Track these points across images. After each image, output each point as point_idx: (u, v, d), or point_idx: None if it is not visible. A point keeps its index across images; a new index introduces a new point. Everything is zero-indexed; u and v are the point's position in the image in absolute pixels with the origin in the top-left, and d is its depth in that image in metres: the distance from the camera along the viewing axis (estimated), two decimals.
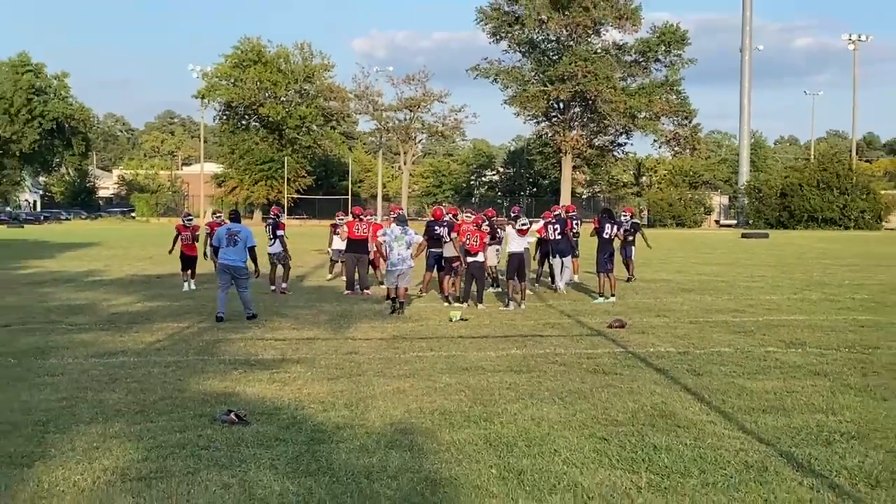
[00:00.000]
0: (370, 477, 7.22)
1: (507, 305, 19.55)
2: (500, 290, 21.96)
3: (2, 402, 10.01)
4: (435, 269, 21.06)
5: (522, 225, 20.29)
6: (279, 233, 23.28)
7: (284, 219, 24.58)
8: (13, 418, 9.24)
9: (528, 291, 20.57)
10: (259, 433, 8.58)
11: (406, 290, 18.47)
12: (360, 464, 7.58)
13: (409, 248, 18.18)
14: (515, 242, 19.89)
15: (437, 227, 20.98)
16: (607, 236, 21.32)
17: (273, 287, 22.83)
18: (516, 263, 19.80)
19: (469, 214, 22.78)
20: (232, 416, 9.08)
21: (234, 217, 18.60)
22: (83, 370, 12.03)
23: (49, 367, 12.31)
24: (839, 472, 7.34)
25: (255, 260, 17.73)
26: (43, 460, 7.71)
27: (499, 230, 21.44)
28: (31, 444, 8.22)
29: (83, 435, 8.57)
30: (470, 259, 19.36)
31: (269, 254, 23.35)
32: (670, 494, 6.82)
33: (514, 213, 22.18)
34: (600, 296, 20.84)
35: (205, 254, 23.54)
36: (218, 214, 28.14)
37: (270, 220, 24.36)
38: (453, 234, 20.05)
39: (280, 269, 23.24)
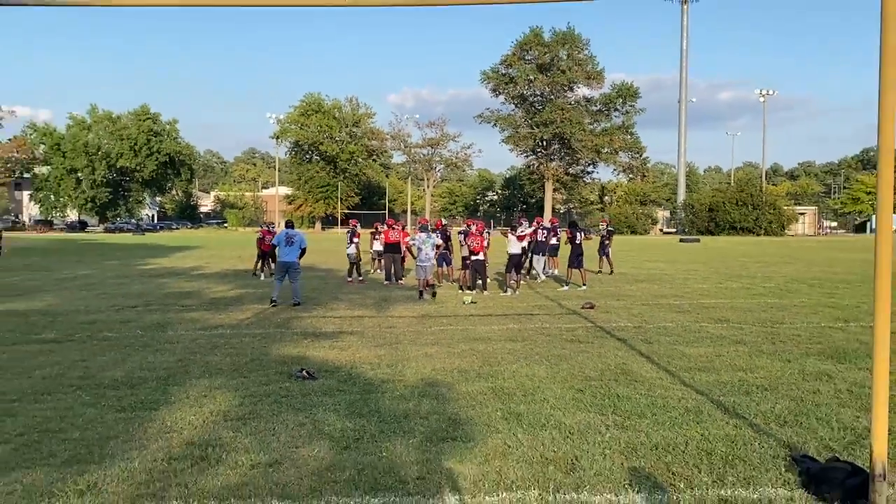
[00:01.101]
0: (407, 417, 7.26)
1: (505, 292, 19.44)
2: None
3: (135, 363, 10.09)
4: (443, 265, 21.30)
5: (521, 232, 20.43)
6: (355, 240, 23.03)
7: (359, 230, 24.39)
8: (143, 374, 9.31)
9: (521, 282, 20.50)
10: (324, 386, 8.63)
11: (429, 279, 18.34)
12: (399, 408, 7.62)
13: (433, 249, 18.16)
14: (514, 245, 19.93)
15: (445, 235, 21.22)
16: (577, 241, 21.52)
17: (349, 279, 22.65)
18: (515, 261, 19.91)
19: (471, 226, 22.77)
20: (304, 373, 9.13)
21: (290, 225, 18.04)
22: (192, 339, 12.07)
23: (167, 337, 12.37)
24: (756, 415, 7.36)
25: (300, 257, 17.26)
26: (166, 405, 7.78)
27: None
28: (157, 393, 8.30)
29: (194, 386, 8.63)
30: (473, 258, 19.35)
31: (347, 254, 23.17)
32: (630, 430, 6.84)
33: (517, 223, 21.99)
34: (566, 284, 20.91)
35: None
36: (271, 224, 28.10)
37: (350, 230, 24.17)
38: (467, 240, 20.03)
39: (354, 267, 22.87)
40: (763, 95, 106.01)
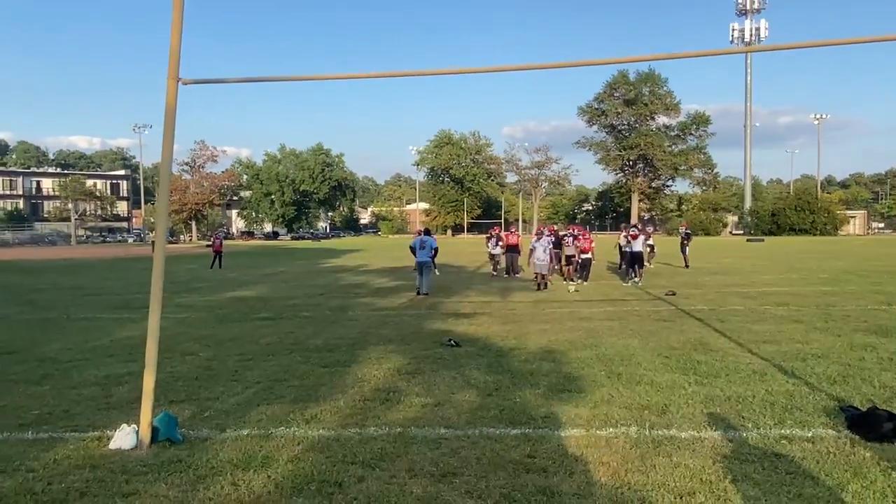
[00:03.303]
0: (532, 374, 7.55)
1: (626, 283, 18.99)
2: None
3: (329, 333, 10.74)
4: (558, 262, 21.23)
5: (633, 232, 19.94)
6: (500, 242, 23.03)
7: (498, 233, 24.33)
8: (336, 342, 9.94)
9: (634, 275, 19.48)
10: (467, 352, 8.98)
11: (545, 275, 18.03)
12: (525, 368, 7.91)
13: (545, 251, 18.04)
14: (637, 244, 19.53)
15: (561, 238, 21.11)
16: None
17: (494, 273, 22.67)
18: (637, 257, 19.55)
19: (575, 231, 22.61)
20: (451, 342, 9.52)
21: (426, 232, 17.85)
22: (367, 318, 12.69)
23: (349, 316, 13.02)
24: (811, 376, 7.29)
25: (433, 258, 17.07)
26: (355, 364, 8.32)
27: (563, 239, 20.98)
28: (347, 355, 8.86)
29: (374, 351, 9.17)
30: (583, 256, 19.40)
31: (491, 254, 23.49)
32: (708, 386, 6.93)
33: (637, 227, 21.34)
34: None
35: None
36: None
37: (493, 235, 24.03)
38: (577, 242, 19.98)
39: (501, 263, 22.88)
40: (817, 119, 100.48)
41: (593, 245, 19.88)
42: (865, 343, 9.17)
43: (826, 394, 6.56)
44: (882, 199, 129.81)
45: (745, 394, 6.59)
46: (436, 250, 17.46)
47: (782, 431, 5.44)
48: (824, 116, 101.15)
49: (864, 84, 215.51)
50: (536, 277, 18.04)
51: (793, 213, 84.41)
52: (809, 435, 5.35)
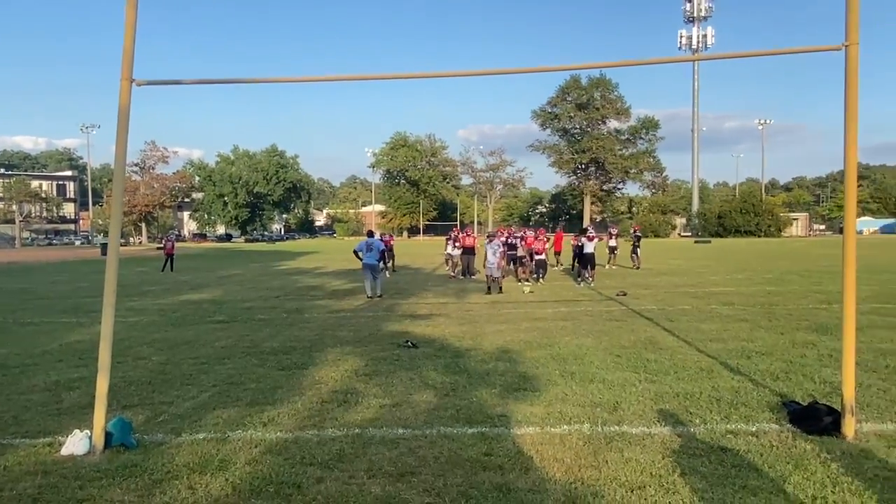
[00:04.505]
0: (489, 374, 7.65)
1: (579, 284, 19.16)
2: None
3: (285, 336, 10.68)
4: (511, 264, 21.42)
5: (590, 235, 20.06)
6: (457, 244, 23.00)
7: (456, 235, 24.25)
8: (291, 344, 9.89)
9: (587, 276, 19.63)
10: (424, 353, 9.03)
11: (496, 278, 17.63)
12: (482, 368, 8.00)
13: (494, 254, 17.63)
14: (589, 246, 19.53)
15: (511, 240, 21.26)
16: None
17: (452, 274, 22.66)
18: (589, 259, 19.50)
19: (530, 232, 22.85)
20: (409, 343, 9.57)
21: (370, 234, 17.75)
22: (324, 320, 12.61)
23: (305, 318, 12.93)
24: (755, 373, 7.55)
25: (384, 260, 16.81)
26: (313, 366, 8.31)
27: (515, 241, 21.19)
28: (304, 358, 8.83)
29: (331, 353, 9.15)
30: (537, 257, 19.62)
31: (449, 254, 23.50)
32: (657, 384, 7.12)
33: (589, 229, 21.29)
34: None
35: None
36: (385, 235, 28.28)
37: (452, 237, 24.01)
38: (524, 243, 20.22)
39: (458, 265, 22.92)
40: (762, 124, 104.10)
41: (548, 246, 20.18)
42: (807, 340, 9.53)
43: (770, 389, 6.81)
44: (823, 201, 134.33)
45: (693, 390, 6.79)
46: (383, 252, 17.31)
47: (728, 426, 5.64)
48: (768, 121, 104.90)
49: (807, 90, 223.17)
50: (487, 280, 17.92)
51: (738, 215, 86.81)
52: (754, 429, 5.55)
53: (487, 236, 20.15)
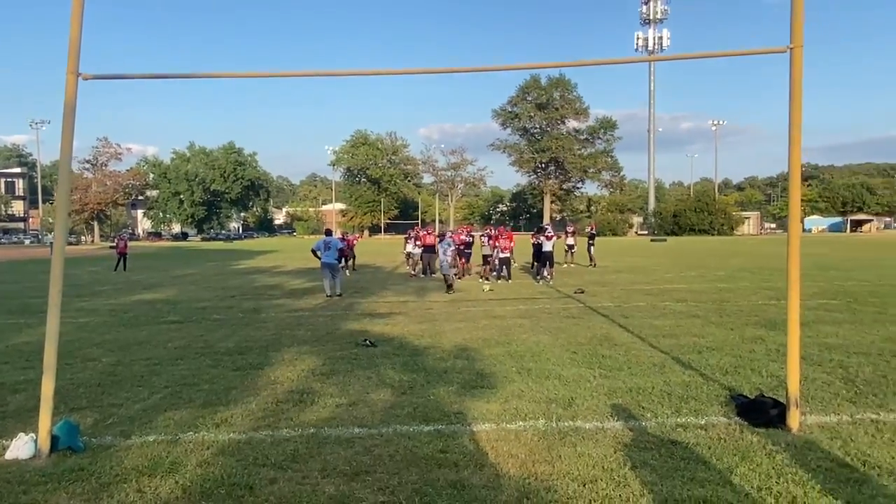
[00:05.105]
0: (446, 372, 7.67)
1: (538, 282, 19.35)
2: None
3: (240, 336, 10.54)
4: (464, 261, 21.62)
5: (548, 232, 20.25)
6: (418, 242, 23.05)
7: (416, 233, 24.21)
8: (248, 344, 9.77)
9: (546, 274, 19.74)
10: (383, 351, 9.01)
11: (446, 275, 17.48)
12: (440, 366, 8.02)
13: (445, 253, 17.56)
14: (548, 245, 19.77)
15: (469, 238, 21.32)
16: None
17: (413, 273, 22.81)
18: (548, 256, 19.71)
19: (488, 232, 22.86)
20: (367, 342, 9.53)
21: (328, 233, 17.47)
22: (281, 319, 12.50)
23: (262, 318, 12.77)
24: (705, 368, 7.72)
25: (342, 258, 16.79)
26: (268, 366, 8.22)
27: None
28: (261, 358, 8.73)
29: (287, 352, 9.06)
30: (502, 255, 19.75)
31: (409, 253, 23.52)
32: (611, 379, 7.22)
33: (547, 228, 21.27)
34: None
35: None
36: (347, 235, 28.00)
37: (412, 235, 24.05)
38: (490, 242, 20.33)
39: (419, 264, 22.99)
40: (715, 125, 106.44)
41: (513, 244, 20.38)
42: (756, 336, 9.77)
43: (719, 384, 6.97)
44: (774, 200, 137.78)
45: (646, 385, 6.92)
46: (341, 250, 17.20)
47: (678, 420, 5.76)
48: (721, 122, 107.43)
49: (759, 92, 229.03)
50: (446, 279, 17.82)
51: (693, 214, 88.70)
52: (703, 423, 5.68)
53: (439, 235, 20.16)
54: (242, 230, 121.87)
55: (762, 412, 5.64)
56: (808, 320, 10.58)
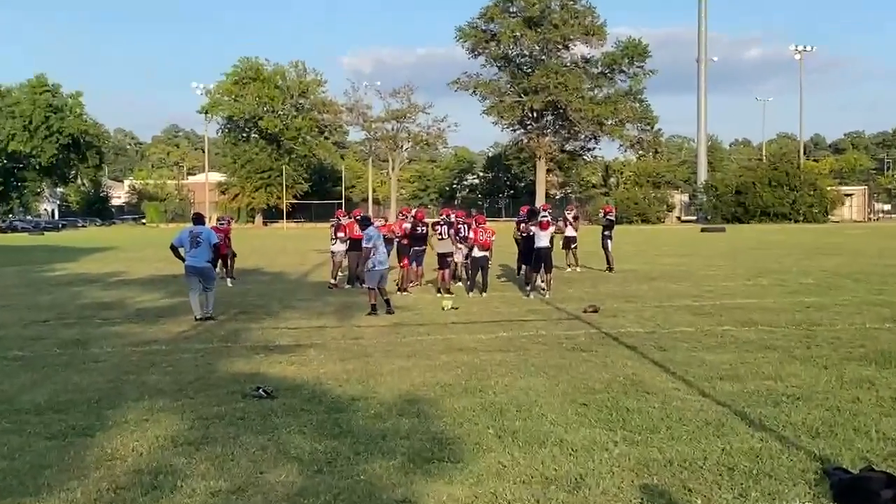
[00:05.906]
0: (386, 438, 7.64)
1: (527, 295, 19.50)
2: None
3: (57, 384, 10.34)
4: (414, 264, 21.60)
5: (542, 218, 19.86)
6: (341, 234, 22.93)
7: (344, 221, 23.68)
8: (69, 397, 9.58)
9: (540, 283, 19.81)
10: (286, 405, 8.97)
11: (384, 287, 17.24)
12: (376, 427, 8.00)
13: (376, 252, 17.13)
14: (543, 238, 19.30)
15: (419, 228, 21.29)
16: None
17: (332, 282, 22.75)
18: (545, 255, 19.29)
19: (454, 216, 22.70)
20: (260, 391, 9.47)
21: (198, 219, 17.63)
22: (122, 357, 12.33)
23: (91, 354, 12.59)
24: (785, 427, 7.82)
25: (218, 260, 16.93)
26: (102, 430, 8.08)
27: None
28: (90, 418, 8.59)
29: (133, 409, 8.93)
30: (479, 254, 19.60)
31: (333, 252, 23.37)
32: (642, 446, 7.27)
33: (541, 209, 21.51)
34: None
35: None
36: (222, 220, 27.49)
37: (334, 223, 23.82)
38: (470, 234, 20.11)
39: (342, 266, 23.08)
40: (799, 52, 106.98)
41: (493, 238, 20.15)
42: (861, 377, 9.95)
43: (805, 451, 7.07)
44: (889, 169, 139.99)
45: (694, 455, 6.99)
46: (216, 247, 17.19)
47: None
48: (809, 48, 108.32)
49: (868, 4, 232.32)
50: (371, 297, 17.07)
51: (766, 189, 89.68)
52: None
53: (361, 220, 19.97)
54: (60, 215, 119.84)
55: (871, 494, 5.72)
56: None
